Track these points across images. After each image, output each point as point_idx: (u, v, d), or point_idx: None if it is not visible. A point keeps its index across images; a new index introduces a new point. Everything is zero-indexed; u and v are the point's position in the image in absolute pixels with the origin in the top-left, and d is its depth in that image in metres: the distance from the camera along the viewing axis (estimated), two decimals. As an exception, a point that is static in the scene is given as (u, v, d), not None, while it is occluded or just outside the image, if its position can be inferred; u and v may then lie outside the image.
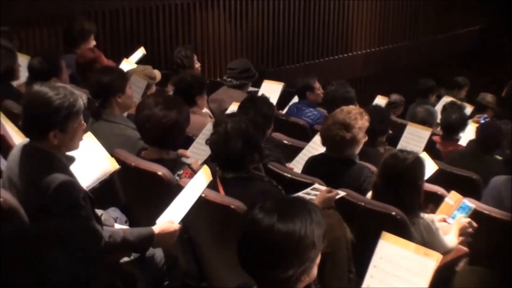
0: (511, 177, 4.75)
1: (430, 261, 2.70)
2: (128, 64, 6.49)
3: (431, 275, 2.67)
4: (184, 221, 3.37)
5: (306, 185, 4.07)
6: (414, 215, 3.84)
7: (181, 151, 4.25)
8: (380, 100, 8.29)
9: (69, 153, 3.24)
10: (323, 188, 3.95)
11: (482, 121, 7.71)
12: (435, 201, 4.41)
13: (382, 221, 3.69)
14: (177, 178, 3.79)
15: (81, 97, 3.16)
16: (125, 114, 4.79)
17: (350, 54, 11.55)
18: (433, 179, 4.62)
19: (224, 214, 3.42)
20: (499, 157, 5.80)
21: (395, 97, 9.02)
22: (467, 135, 6.54)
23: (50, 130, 3.05)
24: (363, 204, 3.93)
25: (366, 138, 4.65)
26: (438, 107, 7.84)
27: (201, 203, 3.37)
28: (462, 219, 4.14)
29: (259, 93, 6.39)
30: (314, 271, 2.29)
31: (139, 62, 6.92)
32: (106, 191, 3.69)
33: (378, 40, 11.97)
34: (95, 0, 8.07)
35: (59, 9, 7.64)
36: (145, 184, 3.78)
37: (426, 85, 9.04)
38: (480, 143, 5.81)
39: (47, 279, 3.00)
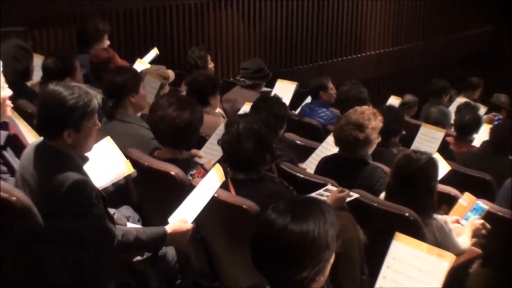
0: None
1: (443, 262, 2.69)
2: (141, 64, 6.50)
3: (444, 275, 2.66)
4: (196, 221, 3.38)
5: (319, 186, 4.07)
6: (427, 216, 3.83)
7: (194, 151, 4.26)
8: (394, 100, 8.27)
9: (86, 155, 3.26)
10: (336, 189, 3.94)
11: (496, 122, 7.67)
12: (448, 202, 4.39)
13: (395, 222, 3.68)
14: (190, 178, 3.80)
15: (96, 97, 3.17)
16: (139, 114, 4.80)
17: (363, 54, 11.52)
18: (446, 180, 4.61)
19: (236, 214, 3.42)
20: (514, 158, 5.77)
21: (408, 97, 8.99)
22: (481, 136, 6.50)
23: (65, 129, 3.06)
24: (376, 205, 3.92)
25: (380, 138, 4.64)
26: (452, 108, 7.81)
27: (213, 203, 3.37)
28: (476, 221, 4.12)
29: (273, 93, 6.39)
30: (328, 271, 2.28)
31: (152, 62, 6.94)
32: (119, 191, 3.70)
33: (392, 40, 11.94)
34: (109, 0, 8.10)
35: (73, 9, 7.67)
36: (158, 184, 3.79)
37: (439, 85, 9.00)
38: (493, 144, 5.78)
39: (60, 277, 3.01)
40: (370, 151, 4.62)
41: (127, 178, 3.65)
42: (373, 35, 11.60)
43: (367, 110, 4.66)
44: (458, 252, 3.78)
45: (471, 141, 6.52)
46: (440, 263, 2.68)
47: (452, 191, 4.51)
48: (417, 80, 11.23)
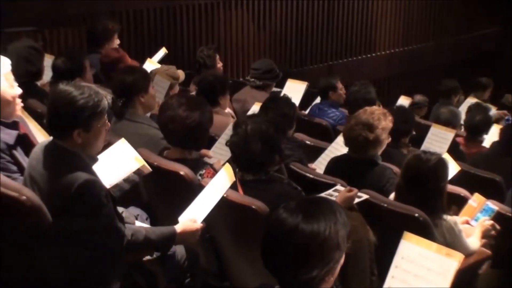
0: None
1: (452, 261, 2.68)
2: (151, 64, 6.52)
3: (453, 275, 2.66)
4: (205, 221, 3.38)
5: (328, 186, 4.06)
6: (437, 217, 3.82)
7: (203, 151, 4.26)
8: (404, 101, 8.24)
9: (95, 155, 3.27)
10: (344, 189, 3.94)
11: (506, 123, 7.65)
12: (458, 203, 4.38)
13: (405, 223, 3.67)
14: (199, 178, 3.80)
15: (106, 97, 3.18)
16: (148, 114, 4.81)
17: (373, 54, 11.51)
18: (456, 181, 4.60)
19: (245, 214, 3.42)
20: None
21: (419, 97, 8.97)
22: (491, 136, 6.48)
23: (74, 129, 3.07)
24: (385, 205, 3.91)
25: (390, 139, 4.63)
26: (462, 108, 7.79)
27: (222, 203, 3.38)
28: (485, 222, 4.11)
29: (282, 93, 6.38)
30: (337, 271, 2.28)
31: (161, 61, 6.95)
32: (128, 190, 3.70)
33: (402, 40, 11.92)
34: (119, 0, 8.12)
35: (83, 9, 7.69)
36: (167, 184, 3.79)
37: (449, 85, 8.96)
38: (503, 145, 5.76)
39: (70, 276, 3.02)
40: (380, 151, 4.61)
41: (140, 174, 3.64)
42: (383, 35, 11.58)
43: (377, 110, 4.65)
44: (467, 253, 3.77)
45: (481, 141, 6.50)
46: (449, 263, 2.67)
47: (462, 191, 4.50)
48: (427, 80, 11.20)
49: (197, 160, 4.04)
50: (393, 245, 2.85)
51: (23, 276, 3.00)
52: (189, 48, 8.83)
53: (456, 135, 6.18)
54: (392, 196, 4.12)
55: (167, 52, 7.30)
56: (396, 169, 4.54)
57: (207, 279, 3.95)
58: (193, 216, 3.34)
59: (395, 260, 2.77)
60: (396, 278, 2.74)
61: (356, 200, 3.85)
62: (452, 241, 3.79)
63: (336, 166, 4.66)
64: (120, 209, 3.44)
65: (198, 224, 3.34)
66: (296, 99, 6.07)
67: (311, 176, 4.45)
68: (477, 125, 6.45)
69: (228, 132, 4.40)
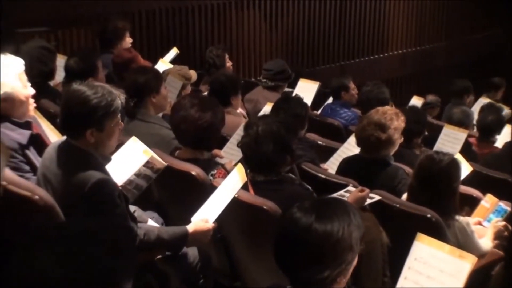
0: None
1: (465, 264, 2.67)
2: (164, 64, 6.53)
3: (466, 277, 2.65)
4: (217, 221, 3.38)
5: (340, 186, 4.06)
6: (449, 218, 3.81)
7: (215, 151, 4.27)
8: (416, 101, 8.22)
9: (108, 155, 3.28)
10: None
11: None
12: (470, 204, 4.37)
13: (417, 223, 3.66)
14: (211, 178, 3.80)
15: (119, 97, 3.19)
16: (160, 114, 4.82)
17: (386, 54, 11.48)
18: (468, 182, 4.58)
19: (257, 214, 3.42)
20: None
21: (431, 97, 8.93)
22: (504, 137, 6.46)
23: (88, 129, 3.08)
24: (398, 206, 3.90)
25: (402, 139, 4.62)
26: (475, 108, 7.75)
27: (234, 203, 3.38)
28: (498, 223, 4.09)
29: (294, 93, 6.38)
30: (350, 273, 2.27)
31: (173, 61, 6.96)
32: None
33: (415, 40, 11.88)
34: (131, 0, 8.14)
35: (96, 10, 7.71)
36: (179, 184, 3.80)
37: (461, 85, 8.92)
38: (516, 145, 5.74)
39: (82, 276, 3.03)
40: (392, 151, 4.60)
41: (157, 172, 3.65)
42: (395, 35, 11.55)
43: (389, 110, 4.63)
44: (480, 254, 3.76)
45: (494, 142, 6.47)
46: (462, 265, 2.66)
47: (474, 192, 4.48)
48: (439, 80, 11.16)
49: (209, 160, 4.05)
50: (405, 245, 2.84)
51: (35, 274, 3.02)
52: (201, 48, 8.84)
53: (469, 136, 6.16)
54: (404, 196, 4.10)
55: (178, 52, 7.31)
56: (408, 169, 4.53)
57: (218, 279, 3.95)
58: (205, 216, 3.35)
59: (408, 261, 2.77)
60: (409, 279, 2.74)
61: (368, 201, 3.84)
62: (464, 242, 3.78)
63: (348, 167, 4.65)
64: (132, 208, 3.45)
65: (210, 224, 3.35)
66: (308, 99, 6.06)
67: (323, 176, 4.45)
68: (489, 126, 6.42)
69: (239, 132, 4.41)
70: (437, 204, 3.79)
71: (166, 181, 3.88)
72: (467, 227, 3.84)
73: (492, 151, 6.26)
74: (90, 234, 3.02)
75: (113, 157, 3.38)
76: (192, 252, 3.60)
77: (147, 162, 3.57)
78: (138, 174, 3.59)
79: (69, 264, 3.02)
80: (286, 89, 6.97)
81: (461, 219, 3.87)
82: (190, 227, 3.32)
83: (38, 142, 3.56)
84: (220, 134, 4.14)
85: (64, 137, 3.25)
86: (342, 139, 5.43)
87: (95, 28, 7.48)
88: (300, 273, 2.17)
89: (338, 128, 6.37)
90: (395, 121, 4.50)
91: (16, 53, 4.23)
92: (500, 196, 4.31)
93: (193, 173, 3.66)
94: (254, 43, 9.58)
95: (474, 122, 7.07)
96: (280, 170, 3.71)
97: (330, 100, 7.25)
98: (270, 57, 9.47)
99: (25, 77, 3.52)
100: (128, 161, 3.59)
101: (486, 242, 3.96)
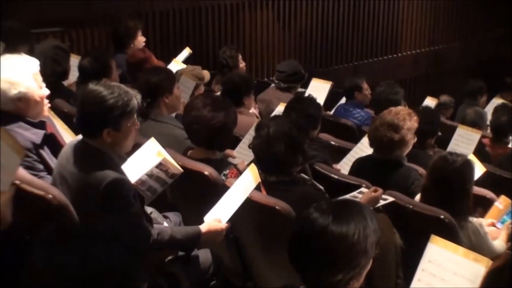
0: None
1: (480, 267, 2.66)
2: (177, 64, 6.54)
3: (480, 280, 2.63)
4: (229, 221, 3.38)
5: (353, 187, 4.05)
6: (463, 219, 3.79)
7: (227, 151, 4.27)
8: (430, 101, 8.20)
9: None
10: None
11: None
12: (484, 205, 4.35)
13: (430, 224, 3.65)
14: (223, 178, 3.81)
15: (135, 97, 3.20)
16: (173, 114, 4.83)
17: (399, 54, 11.44)
18: (481, 183, 4.56)
19: (270, 215, 3.42)
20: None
21: (445, 98, 8.90)
22: (518, 138, 6.43)
23: (104, 128, 3.10)
24: (411, 207, 3.89)
25: (415, 139, 4.60)
26: (488, 109, 7.72)
27: (246, 203, 3.38)
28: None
29: (307, 93, 6.37)
30: (363, 277, 2.26)
31: (186, 61, 6.97)
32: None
33: (428, 41, 11.83)
34: (145, 0, 8.16)
35: (110, 10, 7.74)
36: (191, 184, 3.80)
37: (475, 86, 8.88)
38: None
39: (95, 275, 3.04)
40: (406, 152, 4.59)
41: (173, 177, 3.65)
42: (409, 35, 11.51)
43: (402, 110, 4.62)
44: (493, 256, 3.74)
45: (507, 143, 6.44)
46: (476, 268, 2.65)
47: (488, 193, 4.46)
48: (454, 81, 11.13)
49: (221, 160, 4.05)
50: (419, 247, 2.83)
51: (49, 273, 3.03)
52: (214, 48, 8.84)
53: (482, 136, 6.13)
54: (417, 197, 4.09)
55: (191, 52, 7.32)
56: (422, 170, 4.52)
57: (230, 279, 3.96)
58: (218, 216, 3.35)
59: (422, 263, 2.76)
60: (422, 281, 2.73)
61: (382, 202, 3.83)
62: (477, 243, 3.77)
63: (361, 167, 4.65)
64: (149, 209, 3.46)
65: (223, 224, 3.35)
66: (321, 99, 6.06)
67: (335, 176, 4.44)
68: (503, 126, 6.39)
69: (252, 132, 4.41)
70: (451, 205, 3.78)
71: (178, 181, 3.89)
72: (480, 229, 3.82)
73: (505, 152, 6.22)
74: (103, 233, 3.03)
75: (130, 157, 3.39)
76: (204, 254, 3.61)
77: (160, 164, 3.58)
78: (150, 175, 3.58)
79: (83, 263, 3.03)
80: (299, 89, 6.96)
81: (474, 220, 3.85)
82: (203, 227, 3.32)
83: (52, 142, 3.58)
84: (233, 134, 4.15)
85: (80, 136, 3.27)
86: (355, 140, 5.42)
87: (109, 29, 7.50)
88: (313, 274, 2.17)
89: (351, 129, 6.36)
90: (408, 121, 4.49)
91: (30, 53, 4.26)
92: (514, 197, 4.29)
93: (206, 173, 3.67)
94: (267, 43, 9.58)
95: (488, 122, 7.04)
96: (292, 170, 3.71)
97: (343, 100, 7.24)
98: (283, 57, 9.47)
99: (40, 78, 3.54)
100: (142, 161, 3.60)
101: (499, 243, 3.94)
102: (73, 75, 5.59)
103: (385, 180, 4.29)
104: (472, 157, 4.53)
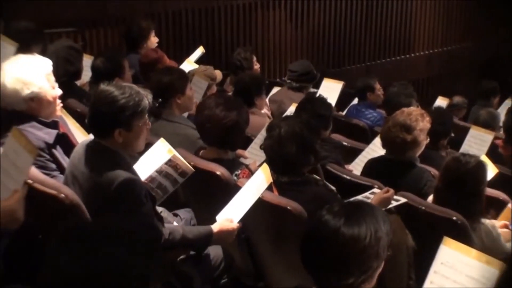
0: None
1: (493, 270, 2.64)
2: (189, 65, 6.55)
3: (493, 284, 2.62)
4: (241, 221, 3.38)
5: (365, 188, 4.04)
6: (475, 220, 3.77)
7: (239, 151, 4.28)
8: (441, 102, 8.17)
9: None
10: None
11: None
12: (496, 207, 4.32)
13: (443, 226, 3.63)
14: (235, 178, 3.81)
15: (147, 97, 3.21)
16: (186, 114, 4.83)
17: (412, 55, 11.42)
18: (494, 184, 4.53)
19: (281, 215, 3.42)
20: None
21: (457, 99, 8.87)
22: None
23: (115, 128, 3.11)
24: (423, 208, 3.88)
25: (428, 140, 4.59)
26: (501, 110, 7.69)
27: (258, 204, 3.38)
28: (525, 226, 4.05)
29: (318, 93, 6.37)
30: (375, 279, 2.25)
31: (198, 60, 6.98)
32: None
33: (441, 41, 11.80)
34: (158, 0, 8.18)
35: (123, 10, 7.77)
36: (203, 183, 3.81)
37: (488, 87, 8.84)
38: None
39: (107, 274, 3.04)
40: (418, 153, 4.57)
41: (185, 177, 3.66)
42: (422, 35, 11.48)
43: (414, 111, 4.60)
44: (506, 258, 3.72)
45: (521, 144, 6.40)
46: (490, 271, 2.63)
47: (501, 195, 4.44)
48: (467, 81, 11.08)
49: (233, 160, 4.05)
50: (431, 248, 2.82)
51: (61, 272, 3.04)
52: (227, 48, 8.86)
53: (495, 137, 6.10)
54: (430, 198, 4.08)
55: (204, 51, 7.33)
56: (434, 171, 4.50)
57: (242, 279, 3.96)
58: (229, 216, 3.35)
59: (434, 266, 2.74)
60: (435, 283, 2.71)
61: (394, 203, 3.82)
62: (490, 245, 3.74)
63: (373, 168, 4.63)
64: (159, 208, 3.47)
65: (234, 224, 3.35)
66: (332, 99, 6.05)
67: (347, 177, 4.43)
68: (516, 127, 6.35)
69: (263, 133, 4.41)
70: (463, 207, 3.76)
71: (190, 181, 3.90)
72: (493, 230, 3.80)
73: (519, 153, 6.19)
74: (115, 232, 3.04)
75: (141, 157, 3.40)
76: (216, 252, 3.61)
77: (169, 160, 3.59)
78: (159, 171, 3.60)
79: (94, 262, 3.03)
80: (311, 90, 6.95)
81: (487, 222, 3.83)
82: (215, 227, 3.32)
83: (65, 142, 3.59)
84: (245, 134, 4.15)
85: (92, 136, 3.28)
86: (367, 140, 5.41)
87: (122, 29, 7.53)
88: (324, 276, 2.16)
89: (363, 129, 6.35)
90: (420, 122, 4.48)
91: (43, 53, 4.28)
92: (527, 199, 4.27)
93: (218, 173, 3.67)
94: (279, 43, 9.58)
95: (501, 124, 7.01)
96: (304, 171, 3.71)
97: (355, 100, 7.22)
98: (295, 57, 9.46)
99: (53, 78, 3.56)
100: (152, 159, 3.61)
101: (512, 245, 3.92)
102: (86, 75, 5.61)
103: (398, 181, 4.28)
104: (484, 158, 4.51)
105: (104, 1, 7.63)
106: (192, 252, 3.50)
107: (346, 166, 4.90)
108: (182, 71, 5.15)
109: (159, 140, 3.69)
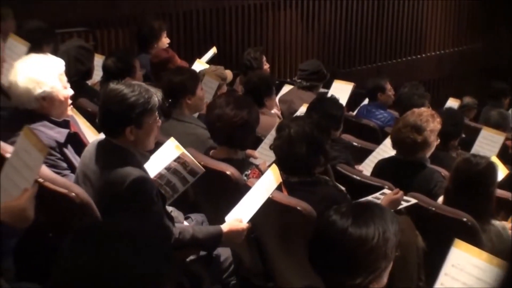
0: None
1: (503, 273, 2.63)
2: (200, 65, 6.55)
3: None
4: (250, 221, 3.39)
5: (375, 188, 4.04)
6: (485, 222, 3.76)
7: (249, 151, 4.28)
8: (452, 103, 8.15)
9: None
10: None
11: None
12: (507, 208, 4.31)
13: (453, 227, 3.63)
14: (245, 178, 3.81)
15: (156, 94, 3.22)
16: (196, 114, 4.84)
17: (423, 55, 11.40)
18: (504, 185, 4.52)
19: (291, 215, 3.42)
20: None
21: (468, 99, 8.85)
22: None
23: (127, 126, 3.11)
24: (433, 209, 3.87)
25: (438, 141, 4.57)
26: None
27: (268, 204, 3.38)
28: (535, 227, 4.03)
29: (329, 93, 6.36)
30: (384, 279, 2.24)
31: (210, 61, 6.98)
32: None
33: (452, 42, 11.77)
34: (169, 0, 8.19)
35: (134, 10, 7.79)
36: (213, 183, 3.81)
37: (499, 87, 8.81)
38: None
39: (118, 273, 3.05)
40: (429, 154, 4.56)
41: (195, 176, 3.67)
42: (433, 36, 11.45)
43: (425, 112, 4.59)
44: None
45: (531, 145, 6.39)
46: (500, 274, 2.62)
47: (511, 196, 4.42)
48: (478, 82, 11.04)
49: (243, 161, 4.06)
50: (441, 249, 2.81)
51: (71, 271, 3.05)
52: (238, 48, 8.87)
53: (506, 138, 6.08)
54: (440, 199, 4.07)
55: (216, 52, 7.34)
56: (445, 172, 4.49)
57: (251, 279, 3.96)
58: (239, 216, 3.36)
59: (445, 267, 2.73)
60: (445, 285, 2.70)
61: (404, 204, 3.81)
62: (500, 246, 3.73)
63: (383, 169, 4.63)
64: (169, 208, 3.47)
65: (244, 224, 3.35)
66: (343, 100, 6.04)
67: (358, 178, 4.43)
68: (527, 128, 6.34)
69: (273, 133, 4.41)
70: (473, 208, 3.75)
71: (200, 181, 3.90)
72: (503, 232, 3.79)
73: (529, 154, 6.18)
74: (126, 231, 3.04)
75: (152, 156, 3.41)
76: (225, 253, 3.61)
77: (178, 157, 3.60)
78: (168, 168, 3.61)
79: (105, 261, 3.04)
80: (321, 90, 6.95)
81: (497, 223, 3.82)
82: (225, 227, 3.33)
83: (76, 141, 3.61)
84: (255, 133, 4.15)
85: (103, 135, 3.29)
86: (378, 141, 5.40)
87: (133, 29, 7.55)
88: (333, 276, 2.16)
89: (373, 130, 6.34)
90: (431, 123, 4.46)
91: (55, 52, 4.30)
92: (538, 200, 4.26)
93: (228, 172, 3.67)
94: (290, 43, 9.58)
95: (511, 125, 6.99)
96: (314, 171, 3.70)
97: (366, 101, 7.22)
98: (306, 57, 9.46)
99: (65, 78, 3.57)
100: (162, 157, 3.63)
101: (523, 247, 3.91)
102: (97, 74, 5.63)
103: (408, 182, 4.27)
104: (494, 159, 4.49)
105: (116, 1, 7.65)
106: (202, 253, 3.50)
107: (356, 167, 4.90)
108: (193, 71, 5.16)
109: (169, 139, 3.70)
